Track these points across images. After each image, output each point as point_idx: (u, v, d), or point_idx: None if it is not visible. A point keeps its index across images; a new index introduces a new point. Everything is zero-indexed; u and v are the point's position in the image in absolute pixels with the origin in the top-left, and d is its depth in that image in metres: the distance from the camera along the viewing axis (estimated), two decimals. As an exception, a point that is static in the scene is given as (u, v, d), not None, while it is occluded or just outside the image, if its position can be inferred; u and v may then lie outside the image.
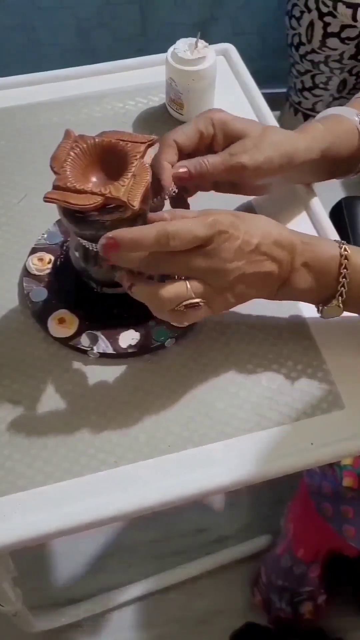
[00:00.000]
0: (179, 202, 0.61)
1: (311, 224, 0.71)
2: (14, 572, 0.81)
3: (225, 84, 0.84)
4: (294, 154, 0.62)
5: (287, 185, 0.71)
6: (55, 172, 0.52)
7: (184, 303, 0.52)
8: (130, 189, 0.51)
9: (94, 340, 0.61)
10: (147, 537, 1.28)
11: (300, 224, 0.71)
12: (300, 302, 0.65)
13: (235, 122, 0.62)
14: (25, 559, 1.21)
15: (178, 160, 0.60)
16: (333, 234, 0.69)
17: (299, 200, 0.73)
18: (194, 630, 1.21)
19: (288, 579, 1.10)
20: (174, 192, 0.59)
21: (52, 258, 0.67)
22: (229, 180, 0.62)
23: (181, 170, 0.59)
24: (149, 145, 0.54)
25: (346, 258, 0.56)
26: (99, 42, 1.69)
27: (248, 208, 0.71)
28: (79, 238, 0.57)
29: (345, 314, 0.62)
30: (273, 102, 0.87)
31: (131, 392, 0.60)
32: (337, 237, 0.68)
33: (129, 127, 0.81)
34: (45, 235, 0.69)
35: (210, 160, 0.60)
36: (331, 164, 0.66)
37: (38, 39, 1.66)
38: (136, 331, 0.62)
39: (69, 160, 0.53)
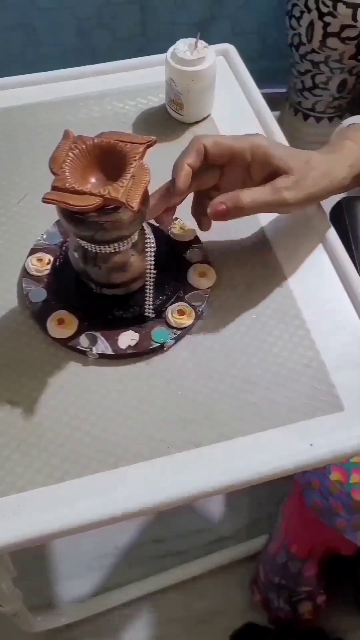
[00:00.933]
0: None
1: (326, 254, 0.70)
2: (14, 572, 0.81)
3: (225, 84, 0.84)
4: (334, 185, 0.62)
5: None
6: (54, 173, 0.52)
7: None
8: (129, 190, 0.51)
9: (93, 341, 0.61)
10: (147, 537, 1.28)
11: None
12: (300, 302, 0.65)
13: (277, 157, 0.60)
14: (25, 559, 1.21)
15: (199, 168, 0.59)
16: (349, 264, 0.68)
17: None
18: (194, 630, 1.21)
19: (285, 576, 1.10)
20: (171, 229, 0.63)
21: (52, 259, 0.67)
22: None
23: (219, 207, 0.58)
24: (148, 146, 0.54)
25: None
26: (99, 42, 1.68)
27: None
28: (78, 239, 0.57)
29: (345, 314, 0.62)
30: (273, 102, 0.87)
31: (130, 393, 0.60)
32: (350, 263, 0.68)
33: (128, 128, 0.81)
34: (45, 236, 0.69)
35: (252, 197, 0.58)
36: None
37: (38, 39, 1.66)
38: (135, 332, 0.62)
39: (68, 161, 0.53)
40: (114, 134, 0.55)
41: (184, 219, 0.69)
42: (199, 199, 0.65)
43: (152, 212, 0.60)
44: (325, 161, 0.63)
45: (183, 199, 0.62)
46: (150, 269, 0.61)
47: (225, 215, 0.58)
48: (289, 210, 0.63)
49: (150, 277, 0.61)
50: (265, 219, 0.71)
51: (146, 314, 0.62)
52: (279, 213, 0.67)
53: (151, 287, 0.62)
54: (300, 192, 0.60)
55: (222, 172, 0.62)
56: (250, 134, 0.61)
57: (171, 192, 0.59)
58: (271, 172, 0.60)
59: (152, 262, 0.61)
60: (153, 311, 0.62)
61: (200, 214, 0.65)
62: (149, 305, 0.62)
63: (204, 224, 0.65)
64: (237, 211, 0.58)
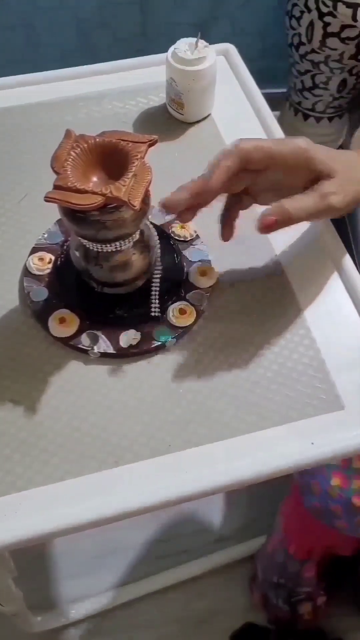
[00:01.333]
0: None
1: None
2: (14, 572, 0.81)
3: (225, 84, 0.84)
4: None
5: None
6: (56, 172, 0.52)
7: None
8: (131, 189, 0.51)
9: (95, 339, 0.61)
10: (147, 537, 1.28)
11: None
12: (301, 302, 0.65)
13: (319, 161, 0.58)
14: (25, 559, 1.21)
15: (237, 171, 0.57)
16: (350, 263, 0.67)
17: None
18: (194, 630, 1.21)
19: (283, 575, 1.10)
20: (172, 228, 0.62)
21: (53, 258, 0.67)
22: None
23: (269, 220, 0.56)
24: (150, 145, 0.54)
25: None
26: (99, 42, 1.68)
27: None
28: (79, 238, 0.57)
29: (346, 313, 0.62)
30: (273, 102, 0.87)
31: (131, 392, 0.60)
32: (350, 261, 0.67)
33: (129, 127, 0.81)
34: (46, 235, 0.69)
35: (300, 206, 0.56)
36: None
37: (38, 39, 1.66)
38: (137, 331, 0.62)
39: (70, 160, 0.53)
40: (115, 133, 0.55)
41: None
42: (230, 205, 0.62)
43: (177, 206, 0.57)
44: None
45: (212, 199, 0.59)
46: (157, 268, 0.61)
47: (274, 227, 0.56)
48: (335, 215, 0.60)
49: (156, 277, 0.61)
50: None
51: (152, 313, 0.62)
52: (325, 218, 0.65)
53: (157, 286, 0.62)
54: (346, 195, 0.58)
55: (257, 175, 0.59)
56: (290, 138, 0.59)
57: (203, 190, 0.57)
58: (313, 177, 0.58)
59: (159, 261, 0.61)
60: (159, 310, 0.62)
61: (228, 222, 0.63)
62: (155, 304, 0.62)
63: (225, 234, 0.63)
64: (285, 223, 0.57)
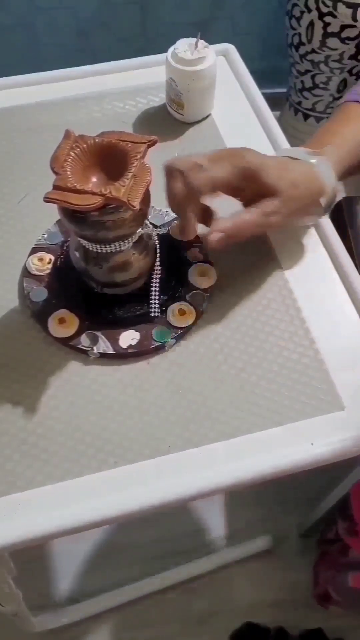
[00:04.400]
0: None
1: (327, 254, 0.70)
2: (14, 572, 0.81)
3: (225, 84, 0.84)
4: (315, 199, 0.63)
5: None
6: (55, 173, 0.52)
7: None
8: (131, 190, 0.51)
9: (94, 340, 0.61)
10: (147, 537, 1.28)
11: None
12: (300, 301, 0.65)
13: (265, 181, 0.59)
14: (25, 559, 1.21)
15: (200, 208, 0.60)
16: (349, 263, 0.68)
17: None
18: (194, 630, 1.21)
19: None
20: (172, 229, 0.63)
21: (53, 258, 0.67)
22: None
23: (218, 237, 0.57)
24: (150, 146, 0.53)
25: None
26: (99, 42, 1.69)
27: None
28: (79, 238, 0.57)
29: (345, 313, 0.62)
30: (273, 102, 0.87)
31: (131, 393, 0.60)
32: (350, 262, 0.68)
33: (129, 127, 0.81)
34: (46, 235, 0.69)
35: (242, 224, 0.58)
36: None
37: (38, 39, 1.66)
38: (136, 331, 0.62)
39: (69, 160, 0.53)
40: (114, 133, 0.55)
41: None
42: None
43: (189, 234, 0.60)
44: (308, 177, 0.62)
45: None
46: (157, 268, 0.61)
47: (220, 245, 0.58)
48: (274, 230, 0.64)
49: (156, 276, 0.61)
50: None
51: (152, 313, 0.62)
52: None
53: (157, 286, 0.62)
54: (287, 214, 0.60)
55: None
56: (236, 152, 0.60)
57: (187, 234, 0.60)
58: (259, 191, 0.60)
59: (159, 261, 0.61)
60: (159, 310, 0.63)
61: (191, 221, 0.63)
62: (155, 304, 0.62)
63: (188, 232, 0.63)
64: (231, 239, 0.58)
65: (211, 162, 0.58)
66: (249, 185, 0.59)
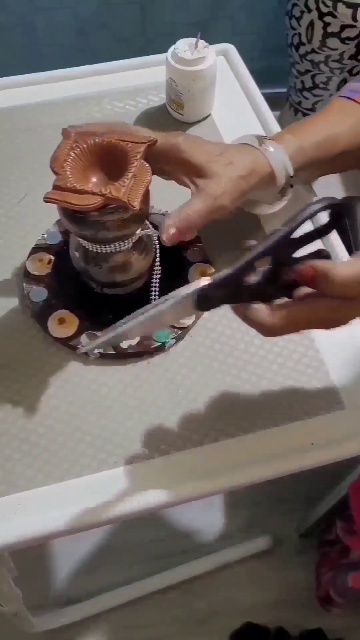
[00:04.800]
0: None
1: (322, 245, 0.68)
2: (14, 572, 0.81)
3: (225, 84, 0.84)
4: (262, 178, 0.62)
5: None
6: (55, 173, 0.52)
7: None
8: (131, 190, 0.51)
9: (94, 340, 0.61)
10: (147, 537, 1.28)
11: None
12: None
13: (198, 163, 0.59)
14: (25, 559, 1.21)
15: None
16: (345, 256, 0.68)
17: (300, 203, 0.71)
18: (194, 630, 1.21)
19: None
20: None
21: (53, 258, 0.67)
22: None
23: (171, 232, 0.57)
24: (149, 146, 0.53)
25: None
26: (99, 42, 1.69)
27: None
28: (79, 238, 0.57)
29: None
30: (273, 102, 0.87)
31: (131, 393, 0.60)
32: (347, 256, 0.67)
33: (129, 127, 0.81)
34: (46, 235, 0.69)
35: (195, 210, 0.57)
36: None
37: (38, 39, 1.66)
38: (136, 331, 0.62)
39: (69, 160, 0.53)
40: (114, 133, 0.55)
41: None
42: None
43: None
44: (254, 160, 0.62)
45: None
46: (157, 268, 0.61)
47: (177, 238, 0.57)
48: (224, 212, 0.61)
49: (156, 276, 0.61)
50: (264, 217, 0.71)
51: None
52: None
53: (157, 286, 0.62)
54: (232, 193, 0.59)
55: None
56: (172, 134, 0.60)
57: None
58: (190, 173, 0.59)
59: (159, 261, 0.61)
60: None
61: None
62: (157, 300, 0.62)
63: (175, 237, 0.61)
64: (187, 230, 0.58)
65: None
66: (180, 172, 0.59)
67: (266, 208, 0.69)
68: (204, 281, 0.48)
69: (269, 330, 0.50)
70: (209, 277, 0.48)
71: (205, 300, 0.49)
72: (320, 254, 0.51)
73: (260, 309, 0.49)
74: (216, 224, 0.65)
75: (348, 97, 0.70)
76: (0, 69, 0.95)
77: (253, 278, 0.49)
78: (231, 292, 0.49)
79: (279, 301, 0.50)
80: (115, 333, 0.49)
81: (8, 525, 0.53)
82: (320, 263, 0.48)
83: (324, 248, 0.52)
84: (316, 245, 0.51)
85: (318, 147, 0.66)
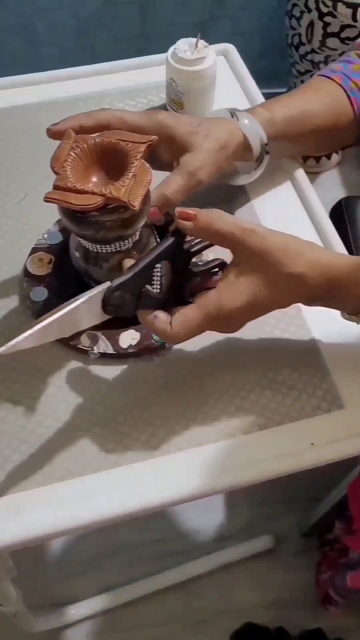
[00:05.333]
0: None
1: (322, 245, 0.70)
2: (14, 572, 0.81)
3: (225, 84, 0.85)
4: (232, 144, 0.63)
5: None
6: (55, 173, 0.52)
7: None
8: (131, 189, 0.51)
9: (94, 340, 0.61)
10: (147, 537, 1.28)
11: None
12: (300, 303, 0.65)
13: (180, 137, 0.60)
14: (25, 559, 1.21)
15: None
16: (319, 206, 0.70)
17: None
18: (194, 630, 1.21)
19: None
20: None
21: (53, 258, 0.67)
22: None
23: (152, 209, 0.58)
24: (150, 146, 0.54)
25: None
26: (99, 42, 1.69)
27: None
28: (79, 238, 0.57)
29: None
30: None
31: (131, 393, 0.60)
32: (321, 208, 0.70)
33: (129, 127, 0.81)
34: (46, 235, 0.69)
35: (175, 189, 0.59)
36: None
37: (38, 39, 1.66)
38: (136, 331, 0.62)
39: (70, 160, 0.53)
40: (115, 133, 0.55)
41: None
42: None
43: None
44: (229, 130, 0.63)
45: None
46: (157, 268, 0.61)
47: (158, 216, 0.59)
48: (203, 185, 0.62)
49: (156, 276, 0.61)
50: (264, 213, 0.71)
51: None
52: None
53: (158, 281, 0.62)
54: (210, 167, 0.61)
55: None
56: (155, 112, 0.61)
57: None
58: (176, 151, 0.61)
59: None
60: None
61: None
62: None
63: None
64: (167, 207, 0.59)
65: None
66: (163, 147, 0.60)
67: (244, 178, 0.70)
68: (107, 284, 0.52)
69: (171, 339, 0.53)
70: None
71: (109, 302, 0.52)
72: (216, 263, 0.55)
73: (160, 318, 0.52)
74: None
75: (327, 76, 0.70)
76: (0, 69, 0.95)
77: (156, 287, 0.53)
78: (136, 298, 0.53)
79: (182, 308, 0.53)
80: (28, 334, 0.50)
81: (8, 525, 0.53)
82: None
83: (219, 257, 0.55)
84: (212, 252, 0.55)
85: (289, 121, 0.67)
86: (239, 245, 0.51)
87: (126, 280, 0.52)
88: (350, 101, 0.69)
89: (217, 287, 0.53)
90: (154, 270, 0.53)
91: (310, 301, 0.56)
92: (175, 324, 0.52)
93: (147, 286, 0.53)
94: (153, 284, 0.53)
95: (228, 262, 0.54)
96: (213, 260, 0.55)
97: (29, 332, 0.49)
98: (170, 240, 0.53)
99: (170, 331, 0.52)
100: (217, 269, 0.55)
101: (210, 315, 0.52)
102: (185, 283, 0.55)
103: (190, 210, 0.51)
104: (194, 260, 0.55)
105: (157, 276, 0.53)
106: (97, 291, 0.52)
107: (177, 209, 0.52)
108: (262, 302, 0.53)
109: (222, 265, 0.55)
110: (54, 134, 0.57)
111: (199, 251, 0.54)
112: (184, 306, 0.53)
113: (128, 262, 0.54)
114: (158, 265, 0.53)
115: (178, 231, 0.52)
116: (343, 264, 0.54)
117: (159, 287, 0.53)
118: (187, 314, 0.52)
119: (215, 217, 0.51)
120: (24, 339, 0.49)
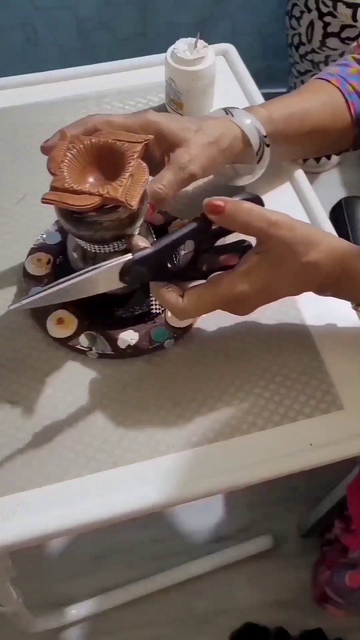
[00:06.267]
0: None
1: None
2: (14, 572, 0.81)
3: (225, 84, 0.84)
4: (226, 138, 0.63)
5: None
6: (52, 174, 0.52)
7: None
8: (128, 189, 0.51)
9: (93, 340, 0.61)
10: (147, 537, 1.28)
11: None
12: (300, 302, 0.65)
13: (168, 133, 0.60)
14: (25, 559, 1.21)
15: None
16: (318, 207, 0.70)
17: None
18: (194, 630, 1.21)
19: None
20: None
21: (51, 258, 0.67)
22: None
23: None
24: (146, 145, 0.53)
25: None
26: (99, 42, 1.69)
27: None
28: (77, 239, 0.57)
29: (345, 313, 0.62)
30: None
31: (130, 393, 0.60)
32: (321, 209, 0.70)
33: (128, 127, 0.81)
34: (44, 236, 0.69)
35: (164, 184, 0.59)
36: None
37: (38, 39, 1.66)
38: (135, 331, 0.62)
39: (66, 161, 0.53)
40: (111, 133, 0.55)
41: (183, 218, 0.69)
42: None
43: None
44: (223, 125, 0.63)
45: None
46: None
47: (152, 212, 0.59)
48: (195, 180, 0.62)
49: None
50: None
51: (153, 310, 0.62)
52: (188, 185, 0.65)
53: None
54: (202, 160, 0.60)
55: None
56: (143, 111, 0.61)
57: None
58: (167, 147, 0.60)
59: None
60: (158, 310, 0.63)
61: None
62: (154, 303, 0.63)
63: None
64: (160, 203, 0.59)
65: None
66: (153, 144, 0.60)
67: (246, 179, 0.70)
68: (129, 256, 0.53)
69: (180, 312, 0.55)
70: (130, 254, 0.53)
71: (127, 274, 0.54)
72: (241, 244, 0.57)
73: (173, 292, 0.54)
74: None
75: (325, 79, 0.70)
76: (0, 69, 0.95)
77: (176, 261, 0.55)
78: (153, 271, 0.54)
79: (194, 283, 0.55)
80: (44, 294, 0.53)
81: (7, 525, 0.53)
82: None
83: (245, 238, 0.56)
84: (238, 235, 0.56)
85: (287, 120, 0.67)
86: (264, 237, 0.53)
87: (147, 256, 0.53)
88: (347, 104, 0.69)
89: (234, 270, 0.54)
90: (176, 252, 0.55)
91: (321, 290, 0.58)
92: (187, 298, 0.54)
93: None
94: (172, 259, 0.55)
95: (250, 243, 0.55)
96: (239, 242, 0.56)
97: (46, 292, 0.52)
98: (195, 225, 0.54)
99: (181, 305, 0.54)
100: (240, 252, 0.56)
101: (222, 295, 0.54)
102: (206, 260, 0.56)
103: (219, 201, 0.52)
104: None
105: (176, 251, 0.55)
106: (118, 262, 0.53)
107: (205, 200, 0.53)
108: (275, 291, 0.56)
109: (247, 248, 0.56)
110: (47, 149, 0.57)
111: (226, 234, 0.56)
112: (198, 282, 0.54)
113: (139, 239, 0.55)
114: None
115: (205, 217, 0.53)
116: (357, 253, 0.55)
117: (176, 261, 0.55)
118: (199, 291, 0.54)
119: (244, 209, 0.53)
120: (39, 298, 0.52)
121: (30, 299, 0.52)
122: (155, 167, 0.60)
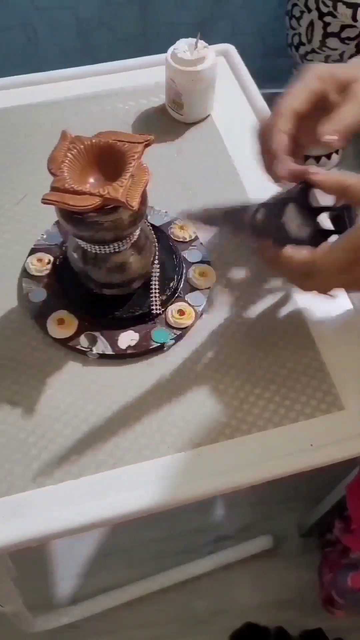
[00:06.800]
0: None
1: None
2: (14, 572, 0.81)
3: (225, 84, 0.84)
4: None
5: None
6: (52, 174, 0.52)
7: None
8: (129, 190, 0.51)
9: (93, 341, 0.61)
10: (147, 537, 1.28)
11: None
12: (300, 302, 0.65)
13: (341, 70, 0.57)
14: (25, 559, 1.21)
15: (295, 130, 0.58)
16: None
17: None
18: (194, 630, 1.21)
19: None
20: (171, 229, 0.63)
21: (52, 259, 0.67)
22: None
23: (335, 137, 0.55)
24: (146, 145, 0.53)
25: None
26: (99, 42, 1.68)
27: None
28: (77, 239, 0.57)
29: (346, 313, 0.62)
30: (273, 102, 0.87)
31: (130, 394, 0.60)
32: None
33: (129, 128, 0.81)
34: (45, 236, 0.69)
35: (352, 114, 0.55)
36: None
37: (38, 39, 1.66)
38: (135, 332, 0.62)
39: (67, 161, 0.53)
40: (111, 133, 0.55)
41: (183, 218, 0.69)
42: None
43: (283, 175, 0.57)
44: None
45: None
46: (155, 268, 0.61)
47: (338, 145, 0.56)
48: None
49: (154, 277, 0.61)
50: None
51: (153, 310, 0.63)
52: None
53: (156, 287, 0.62)
54: None
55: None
56: (306, 70, 0.59)
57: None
58: (345, 89, 0.57)
59: (157, 261, 0.61)
60: (158, 311, 0.63)
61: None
62: (154, 304, 0.63)
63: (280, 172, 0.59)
64: (346, 137, 0.56)
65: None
66: (332, 95, 0.57)
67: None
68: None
69: (310, 269, 0.54)
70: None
71: (251, 219, 0.56)
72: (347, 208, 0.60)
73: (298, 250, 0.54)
74: (215, 227, 0.65)
75: None
76: (0, 69, 0.95)
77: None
78: (273, 227, 0.56)
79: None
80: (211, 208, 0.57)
81: (8, 526, 0.53)
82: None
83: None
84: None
85: None
86: None
87: (265, 203, 0.56)
88: None
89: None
90: (283, 214, 0.56)
91: None
92: (319, 250, 0.54)
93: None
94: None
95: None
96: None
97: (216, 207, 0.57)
98: (300, 186, 0.56)
99: (310, 258, 0.53)
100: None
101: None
102: (306, 239, 0.58)
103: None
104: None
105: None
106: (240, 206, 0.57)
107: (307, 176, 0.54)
108: None
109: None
110: (281, 177, 0.57)
111: (325, 209, 0.59)
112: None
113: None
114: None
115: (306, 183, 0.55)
116: None
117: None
118: (332, 245, 0.55)
119: (354, 177, 0.53)
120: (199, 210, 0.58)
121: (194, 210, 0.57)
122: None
